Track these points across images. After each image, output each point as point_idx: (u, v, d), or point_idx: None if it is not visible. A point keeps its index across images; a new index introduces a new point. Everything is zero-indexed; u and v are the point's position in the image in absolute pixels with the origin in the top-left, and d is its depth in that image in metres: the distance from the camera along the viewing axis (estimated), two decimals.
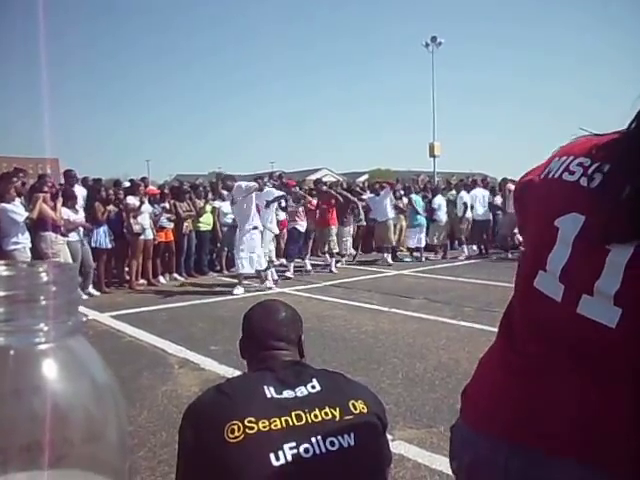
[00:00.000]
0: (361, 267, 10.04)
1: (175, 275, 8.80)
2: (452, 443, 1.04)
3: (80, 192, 7.30)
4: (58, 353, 0.32)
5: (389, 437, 2.79)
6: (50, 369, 0.31)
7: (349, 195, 10.24)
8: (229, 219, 8.81)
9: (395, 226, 10.89)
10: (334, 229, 9.62)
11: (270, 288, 7.62)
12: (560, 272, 0.84)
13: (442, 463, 2.66)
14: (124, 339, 5.28)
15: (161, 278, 8.55)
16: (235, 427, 1.15)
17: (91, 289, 7.47)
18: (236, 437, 1.14)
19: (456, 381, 3.81)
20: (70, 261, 6.63)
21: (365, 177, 38.22)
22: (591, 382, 0.82)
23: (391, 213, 10.50)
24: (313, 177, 32.12)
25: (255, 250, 7.34)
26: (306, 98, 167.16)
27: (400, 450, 2.81)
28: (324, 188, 9.89)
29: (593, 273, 0.80)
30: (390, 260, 10.46)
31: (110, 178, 13.12)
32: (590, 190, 0.83)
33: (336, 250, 9.65)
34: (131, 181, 8.86)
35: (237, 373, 3.73)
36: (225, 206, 8.79)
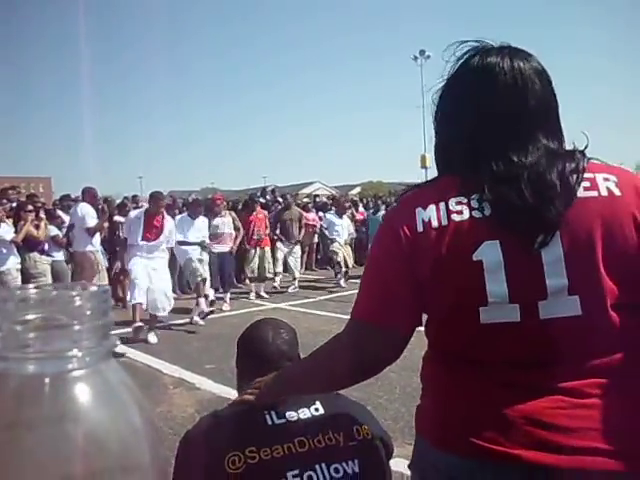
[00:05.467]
0: (357, 280, 10.00)
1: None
2: (430, 477, 0.96)
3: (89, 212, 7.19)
4: (92, 379, 0.32)
5: None
6: (85, 396, 0.31)
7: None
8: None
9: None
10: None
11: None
12: (507, 295, 0.87)
13: None
14: (117, 359, 5.20)
15: None
16: (236, 458, 1.12)
17: None
18: (237, 468, 1.11)
19: None
20: (50, 281, 6.59)
21: (358, 190, 38.36)
22: (591, 379, 0.87)
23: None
24: (306, 191, 32.27)
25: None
26: (298, 111, 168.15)
27: (399, 468, 2.76)
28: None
29: (538, 279, 0.86)
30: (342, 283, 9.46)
31: (102, 196, 13.07)
32: (488, 217, 0.89)
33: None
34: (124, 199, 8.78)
35: (233, 392, 3.67)
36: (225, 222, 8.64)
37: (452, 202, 0.92)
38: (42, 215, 7.01)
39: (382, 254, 1.00)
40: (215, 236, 7.58)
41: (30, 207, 6.83)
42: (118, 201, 9.21)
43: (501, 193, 0.89)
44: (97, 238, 6.93)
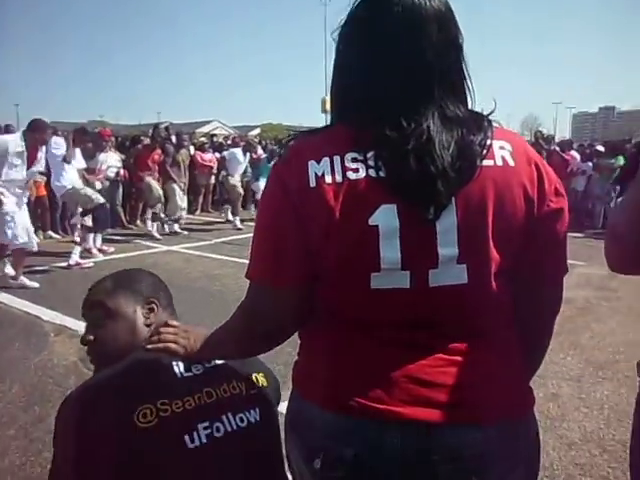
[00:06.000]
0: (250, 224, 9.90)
1: (50, 233, 8.14)
2: (304, 436, 0.93)
3: None
4: None
5: None
6: None
7: None
8: (111, 173, 8.21)
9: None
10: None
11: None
12: (400, 262, 0.85)
13: None
14: None
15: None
16: (147, 411, 1.06)
17: None
18: (149, 422, 1.05)
19: None
20: None
21: (257, 131, 37.59)
22: (467, 345, 0.90)
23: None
24: (204, 129, 31.04)
25: None
26: (198, 46, 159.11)
27: None
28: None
29: (430, 248, 0.85)
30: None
31: None
32: (385, 179, 0.84)
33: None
34: None
35: None
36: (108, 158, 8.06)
37: (348, 157, 0.86)
38: None
39: (271, 209, 0.92)
40: (95, 171, 7.10)
41: None
42: None
43: (393, 157, 0.85)
44: None
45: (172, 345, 1.15)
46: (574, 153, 10.64)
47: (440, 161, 0.83)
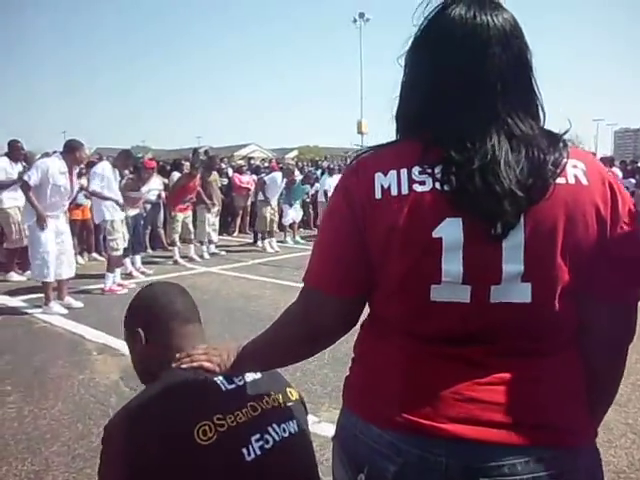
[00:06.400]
0: (289, 245, 10.00)
1: (94, 255, 8.39)
2: (351, 452, 0.92)
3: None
4: None
5: (315, 419, 2.81)
6: None
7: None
8: (152, 196, 8.43)
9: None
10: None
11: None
12: (461, 276, 0.84)
13: None
14: (37, 324, 4.96)
15: (79, 258, 8.11)
16: (207, 427, 1.07)
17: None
18: (209, 438, 1.06)
19: None
20: None
21: (294, 153, 38.06)
22: (529, 363, 0.87)
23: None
24: (242, 153, 31.65)
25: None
26: (235, 72, 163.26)
27: (326, 432, 2.82)
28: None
29: (495, 264, 0.84)
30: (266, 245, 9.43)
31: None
32: (452, 192, 0.84)
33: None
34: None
35: None
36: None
37: (415, 170, 0.86)
38: None
39: (335, 219, 0.93)
40: (137, 201, 7.14)
41: None
42: (37, 156, 8.61)
43: (459, 174, 0.84)
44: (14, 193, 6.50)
45: (206, 363, 1.16)
46: (616, 170, 10.37)
47: (507, 181, 0.82)
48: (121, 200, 6.22)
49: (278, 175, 9.61)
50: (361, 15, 29.80)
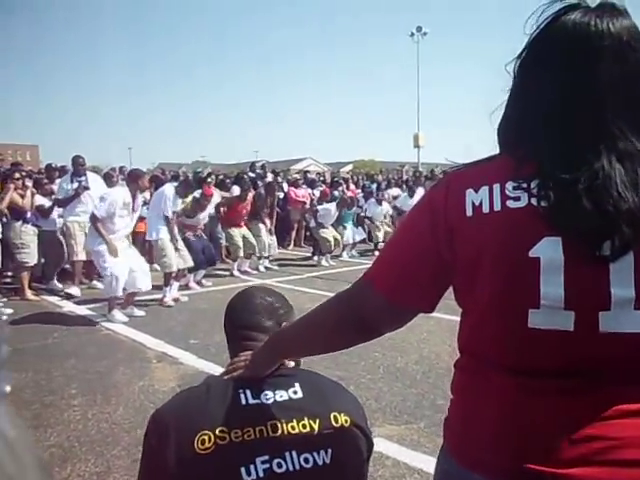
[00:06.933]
0: (344, 259, 10.00)
1: (155, 266, 8.66)
2: None
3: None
4: None
5: None
6: None
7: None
8: (212, 208, 8.65)
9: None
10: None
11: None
12: (563, 300, 0.77)
13: (422, 461, 2.63)
14: (101, 332, 5.18)
15: None
16: (206, 437, 1.07)
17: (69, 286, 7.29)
18: (206, 448, 1.06)
19: (437, 376, 3.80)
20: (34, 252, 6.50)
21: (349, 167, 38.21)
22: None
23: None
24: (298, 167, 32.05)
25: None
26: (291, 87, 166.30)
27: (380, 447, 2.77)
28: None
29: (602, 287, 0.76)
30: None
31: (91, 165, 12.90)
32: (550, 208, 0.77)
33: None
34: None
35: (216, 368, 3.69)
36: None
37: (509, 186, 0.80)
38: (28, 184, 6.86)
39: (415, 230, 0.89)
40: (194, 228, 7.30)
41: (17, 175, 6.68)
42: (104, 170, 9.05)
43: (562, 193, 0.77)
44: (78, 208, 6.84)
45: (239, 370, 1.16)
46: None
47: (623, 203, 0.75)
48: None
49: (332, 207, 9.57)
50: (418, 29, 29.74)
